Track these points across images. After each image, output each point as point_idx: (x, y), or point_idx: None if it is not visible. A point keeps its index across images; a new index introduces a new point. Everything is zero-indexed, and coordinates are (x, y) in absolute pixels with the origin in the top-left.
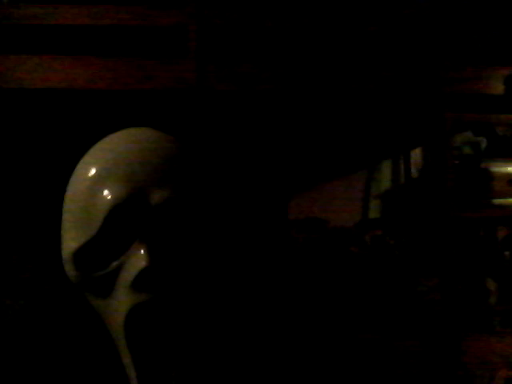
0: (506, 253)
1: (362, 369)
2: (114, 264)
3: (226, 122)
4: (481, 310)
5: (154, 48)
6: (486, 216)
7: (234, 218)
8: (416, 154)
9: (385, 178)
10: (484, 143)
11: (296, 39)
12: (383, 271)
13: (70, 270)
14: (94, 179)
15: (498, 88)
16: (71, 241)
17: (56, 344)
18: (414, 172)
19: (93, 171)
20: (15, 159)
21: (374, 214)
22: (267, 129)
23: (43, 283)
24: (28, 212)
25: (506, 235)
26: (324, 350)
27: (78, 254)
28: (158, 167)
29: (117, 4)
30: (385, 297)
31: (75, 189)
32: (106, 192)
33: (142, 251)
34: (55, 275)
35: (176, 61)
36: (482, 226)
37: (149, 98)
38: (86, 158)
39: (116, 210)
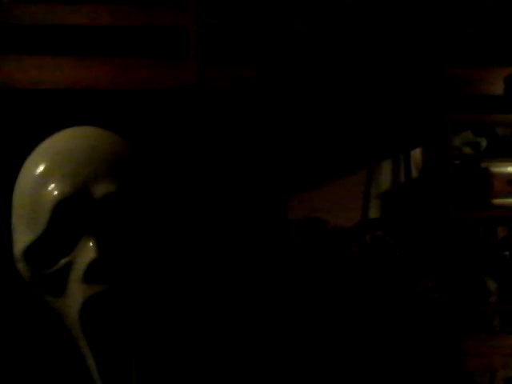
0: (506, 253)
1: (360, 371)
2: (65, 260)
3: (226, 121)
4: (481, 310)
5: (154, 48)
6: (486, 216)
7: (234, 218)
8: (416, 154)
9: (385, 178)
10: (484, 143)
11: (296, 39)
12: (383, 271)
13: (21, 267)
14: (39, 176)
15: (498, 88)
16: (21, 238)
17: (19, 347)
18: (414, 172)
19: (37, 169)
20: (13, 159)
21: (374, 213)
22: (268, 128)
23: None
24: None
25: (506, 235)
26: (321, 351)
27: (29, 252)
28: (100, 162)
29: (118, 4)
30: (385, 297)
31: (22, 187)
32: (50, 188)
33: (91, 244)
34: (8, 275)
35: (176, 61)
36: (482, 226)
37: (149, 97)
38: (32, 156)
39: (61, 206)
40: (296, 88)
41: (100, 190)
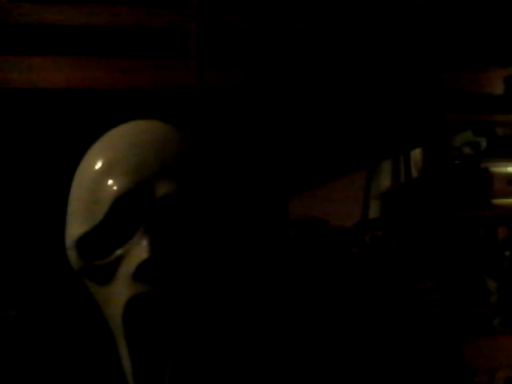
0: (506, 253)
1: (360, 372)
2: (116, 253)
3: (227, 121)
4: (481, 310)
5: (155, 49)
6: (486, 216)
7: (234, 217)
8: (416, 154)
9: (385, 178)
10: (484, 143)
11: (296, 39)
12: (383, 271)
13: (72, 256)
14: (101, 169)
15: (498, 88)
16: (75, 228)
17: (55, 339)
18: (414, 172)
19: (100, 161)
20: (14, 159)
21: (374, 213)
22: (268, 128)
23: (43, 282)
24: (25, 210)
25: (506, 235)
26: (321, 351)
27: (81, 242)
28: (165, 160)
29: (118, 4)
30: (385, 297)
31: (82, 177)
32: (112, 182)
33: (145, 242)
34: (56, 267)
35: (177, 61)
36: (482, 226)
37: (150, 97)
38: (95, 147)
39: (121, 201)
40: (297, 88)
41: (163, 188)
